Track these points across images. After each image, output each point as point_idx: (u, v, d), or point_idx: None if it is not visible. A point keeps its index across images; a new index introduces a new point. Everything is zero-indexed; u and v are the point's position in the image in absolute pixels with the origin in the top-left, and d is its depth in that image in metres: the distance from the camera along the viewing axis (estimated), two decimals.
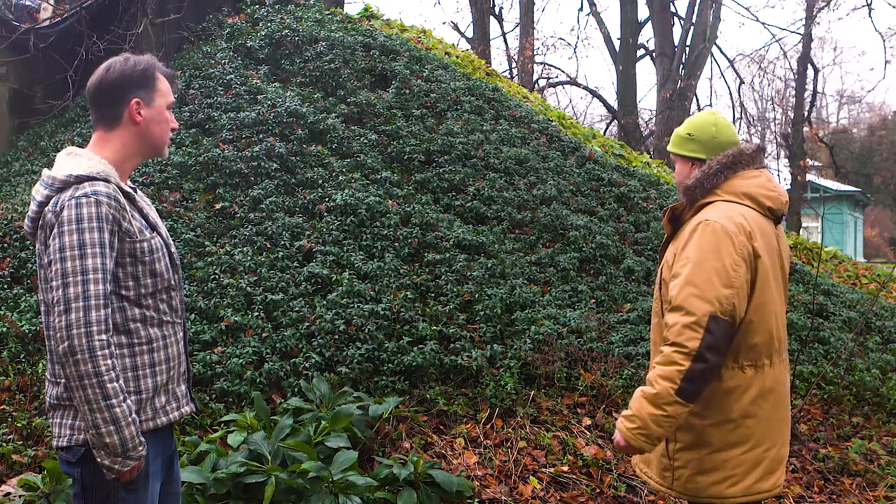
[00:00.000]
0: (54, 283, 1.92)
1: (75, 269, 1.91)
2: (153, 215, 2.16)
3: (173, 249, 2.22)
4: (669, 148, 2.71)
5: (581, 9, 34.41)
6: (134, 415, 1.95)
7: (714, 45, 19.89)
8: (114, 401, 1.91)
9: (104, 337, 1.91)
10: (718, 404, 2.47)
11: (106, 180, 2.01)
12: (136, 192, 2.18)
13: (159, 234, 2.14)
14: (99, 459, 1.94)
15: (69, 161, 2.04)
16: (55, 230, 1.94)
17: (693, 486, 2.53)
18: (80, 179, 1.98)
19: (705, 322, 2.33)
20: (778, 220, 2.60)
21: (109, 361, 1.91)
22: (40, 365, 4.08)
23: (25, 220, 2.09)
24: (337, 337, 4.50)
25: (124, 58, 2.15)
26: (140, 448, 1.96)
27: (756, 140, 27.02)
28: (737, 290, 2.38)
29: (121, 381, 1.94)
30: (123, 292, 2.03)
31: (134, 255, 2.03)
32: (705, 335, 2.33)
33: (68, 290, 1.90)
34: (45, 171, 2.06)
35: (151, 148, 2.18)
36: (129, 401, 1.95)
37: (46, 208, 1.99)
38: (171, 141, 2.23)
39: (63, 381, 2.00)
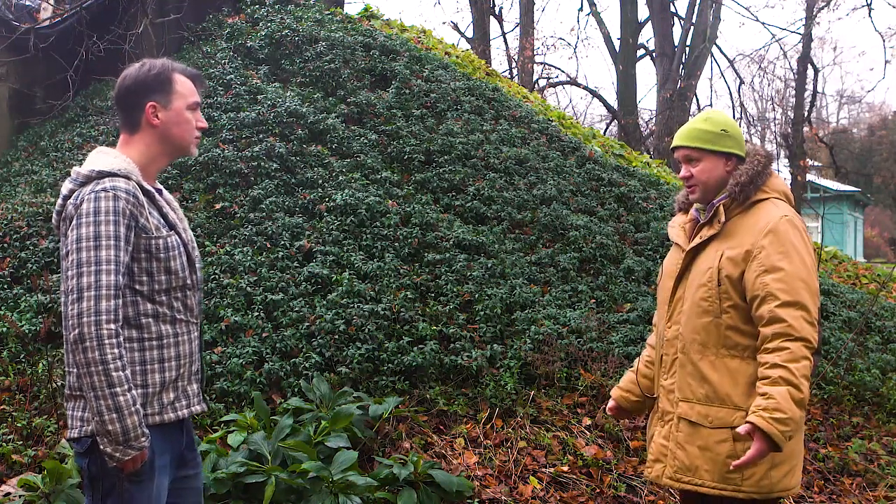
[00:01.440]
0: (69, 273, 1.99)
1: (90, 259, 1.97)
2: (173, 216, 2.20)
3: (195, 253, 2.26)
4: (698, 144, 2.60)
5: (581, 9, 34.36)
6: (138, 405, 1.98)
7: (714, 45, 19.89)
8: (118, 389, 1.94)
9: (113, 326, 1.96)
10: None
11: (127, 177, 2.07)
12: (160, 193, 2.23)
13: (178, 234, 2.17)
14: (102, 447, 1.98)
15: (96, 158, 2.13)
16: (73, 222, 2.01)
17: (767, 483, 2.47)
18: (102, 175, 2.05)
19: (817, 315, 2.39)
20: None
21: (116, 350, 1.95)
22: (40, 365, 4.08)
23: (53, 215, 2.17)
24: (337, 337, 4.50)
25: (140, 63, 2.21)
26: (142, 438, 1.99)
27: (756, 140, 27.04)
28: (819, 284, 2.47)
29: (127, 372, 1.98)
30: (137, 287, 2.07)
31: (149, 251, 2.08)
32: (819, 329, 2.39)
33: (81, 279, 1.96)
34: (74, 168, 2.14)
35: (175, 149, 2.24)
36: (134, 391, 1.98)
37: (69, 201, 2.07)
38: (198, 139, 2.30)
39: (75, 370, 2.05)
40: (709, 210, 2.64)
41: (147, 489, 2.07)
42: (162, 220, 2.14)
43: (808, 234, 2.52)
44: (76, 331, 1.94)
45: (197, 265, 2.26)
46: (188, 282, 2.18)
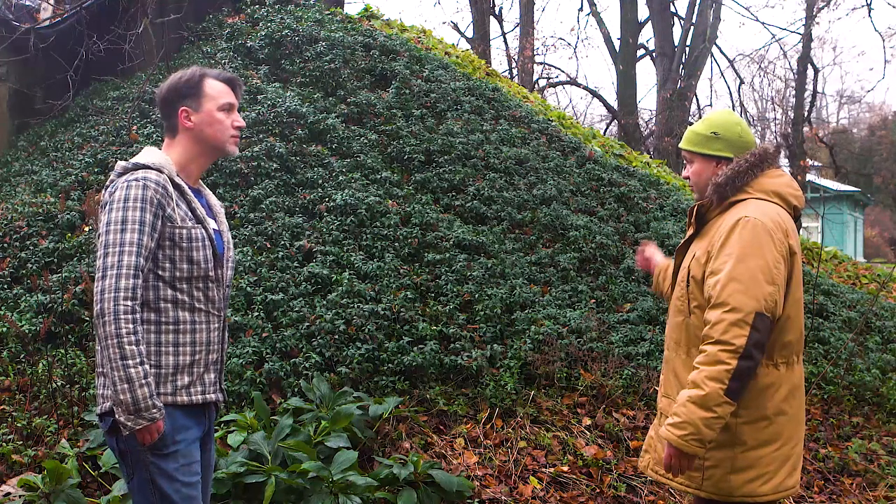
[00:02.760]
0: (98, 253, 2.14)
1: (115, 241, 2.11)
2: (202, 212, 2.30)
3: (229, 253, 2.40)
4: (687, 147, 2.66)
5: (581, 9, 34.46)
6: (150, 379, 2.09)
7: (714, 45, 19.91)
8: (130, 361, 2.06)
9: (129, 303, 2.09)
10: (753, 402, 2.46)
11: (159, 170, 2.23)
12: (199, 193, 2.39)
13: (204, 227, 2.28)
14: (116, 416, 2.10)
15: (140, 154, 2.30)
16: (106, 207, 2.18)
17: (726, 486, 2.49)
18: (137, 167, 2.23)
19: (752, 319, 2.31)
20: (796, 219, 2.63)
21: (131, 326, 2.08)
22: (40, 365, 4.08)
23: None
24: (337, 337, 4.50)
25: (174, 74, 2.40)
26: (153, 410, 2.09)
27: (756, 140, 26.97)
28: (778, 287, 2.38)
29: (141, 347, 2.09)
30: (160, 272, 2.20)
31: (173, 240, 2.21)
32: (752, 332, 2.31)
33: (106, 259, 2.11)
34: (119, 162, 2.31)
35: (211, 148, 2.37)
36: (146, 366, 2.10)
37: (107, 190, 2.24)
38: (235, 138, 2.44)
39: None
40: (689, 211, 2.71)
41: (172, 461, 2.18)
42: (189, 213, 2.26)
43: (783, 234, 2.43)
44: (98, 307, 2.08)
45: (227, 263, 2.39)
46: (211, 274, 2.28)
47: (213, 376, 2.33)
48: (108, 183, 2.27)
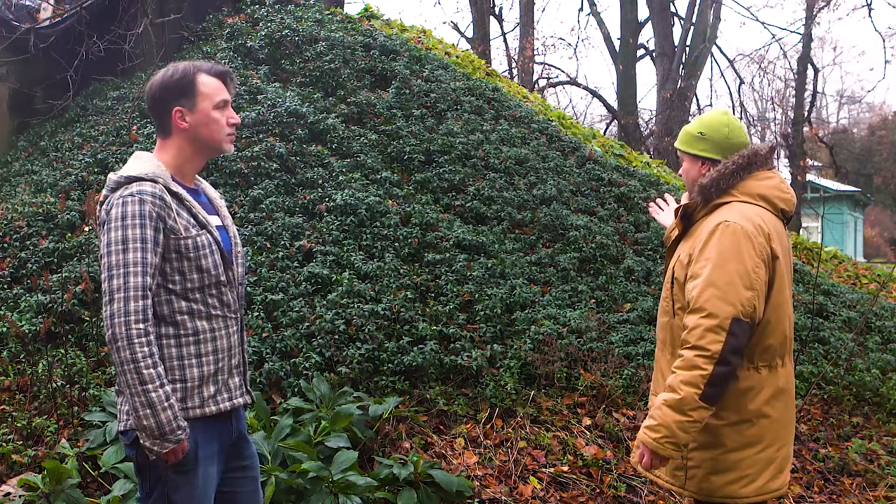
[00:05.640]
0: (103, 276, 2.07)
1: (118, 262, 2.04)
2: (203, 216, 2.23)
3: (238, 248, 2.34)
4: (678, 145, 2.68)
5: (581, 9, 34.48)
6: (172, 400, 2.05)
7: (714, 45, 19.92)
8: (150, 386, 2.02)
9: (142, 326, 2.03)
10: (734, 405, 2.46)
11: (153, 181, 2.13)
12: (197, 192, 2.30)
13: (209, 231, 2.21)
14: (141, 441, 2.07)
15: (130, 163, 2.20)
16: (104, 227, 2.10)
17: (707, 486, 2.51)
18: (130, 180, 2.13)
19: (728, 325, 2.31)
20: (787, 220, 2.63)
21: (146, 349, 2.03)
22: (40, 365, 4.08)
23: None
24: (337, 337, 4.50)
25: (164, 69, 2.27)
26: (178, 432, 2.06)
27: (756, 140, 27.04)
28: (757, 292, 2.37)
29: (159, 369, 2.04)
30: (170, 286, 2.14)
31: (179, 252, 2.14)
32: (728, 338, 2.31)
33: (112, 282, 2.04)
34: (109, 175, 2.21)
35: (207, 148, 2.29)
36: (167, 387, 2.05)
37: (103, 207, 2.15)
38: (232, 135, 2.35)
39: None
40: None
41: (192, 479, 2.15)
42: (192, 220, 2.19)
43: (764, 238, 2.41)
44: (109, 331, 2.03)
45: (237, 260, 2.32)
46: (222, 279, 2.23)
47: (237, 380, 2.30)
48: (102, 199, 2.17)
